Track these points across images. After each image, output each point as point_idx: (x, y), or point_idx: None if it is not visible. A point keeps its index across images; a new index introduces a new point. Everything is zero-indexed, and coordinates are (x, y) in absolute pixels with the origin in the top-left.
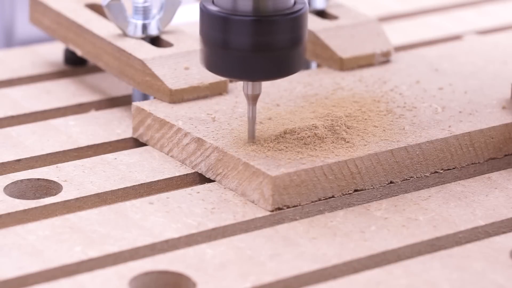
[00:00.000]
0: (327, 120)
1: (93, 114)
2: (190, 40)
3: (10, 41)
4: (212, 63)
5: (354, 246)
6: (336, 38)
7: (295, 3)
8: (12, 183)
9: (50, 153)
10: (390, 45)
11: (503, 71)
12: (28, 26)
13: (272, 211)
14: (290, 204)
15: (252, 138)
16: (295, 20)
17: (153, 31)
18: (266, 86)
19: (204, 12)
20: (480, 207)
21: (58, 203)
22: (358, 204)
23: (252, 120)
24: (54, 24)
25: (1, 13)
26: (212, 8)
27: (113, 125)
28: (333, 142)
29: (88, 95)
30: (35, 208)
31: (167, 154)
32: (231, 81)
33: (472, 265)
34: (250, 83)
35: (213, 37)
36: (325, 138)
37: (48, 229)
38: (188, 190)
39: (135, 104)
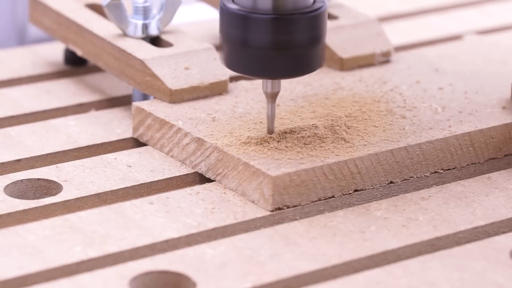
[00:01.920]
0: (327, 120)
1: (93, 114)
2: (190, 40)
3: (23, 40)
4: (232, 61)
5: (354, 246)
6: (336, 38)
7: (314, 1)
8: (12, 183)
9: (50, 153)
10: (390, 45)
11: (503, 71)
12: None
13: (272, 211)
14: (290, 204)
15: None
16: (314, 18)
17: (153, 31)
18: None
19: (224, 11)
20: (480, 207)
21: (58, 203)
22: (358, 204)
23: (271, 118)
24: (54, 24)
25: (13, 12)
26: (232, 6)
27: (113, 125)
28: (333, 142)
29: (88, 95)
30: (35, 208)
31: (167, 154)
32: (231, 80)
33: (472, 265)
34: (269, 81)
35: (233, 35)
36: (325, 138)
37: (48, 229)
38: (188, 190)
39: (135, 104)
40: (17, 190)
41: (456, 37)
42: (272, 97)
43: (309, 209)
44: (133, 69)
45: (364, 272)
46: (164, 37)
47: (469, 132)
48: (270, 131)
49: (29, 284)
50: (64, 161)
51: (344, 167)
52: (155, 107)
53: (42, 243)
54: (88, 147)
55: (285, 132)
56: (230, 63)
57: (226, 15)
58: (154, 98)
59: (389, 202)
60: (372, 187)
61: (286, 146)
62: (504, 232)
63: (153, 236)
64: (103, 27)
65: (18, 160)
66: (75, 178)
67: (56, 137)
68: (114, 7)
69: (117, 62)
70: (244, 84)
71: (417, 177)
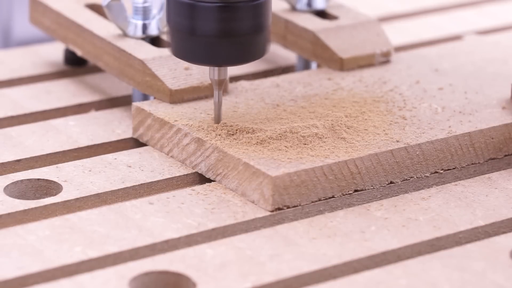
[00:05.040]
0: (327, 120)
1: (93, 114)
2: None
3: (7, 42)
4: (179, 49)
5: (354, 246)
6: (336, 38)
7: None
8: (12, 183)
9: (50, 153)
10: (390, 45)
11: (503, 71)
12: (25, 27)
13: (272, 211)
14: (290, 204)
15: (218, 123)
16: (258, 7)
17: (153, 31)
18: (267, 86)
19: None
20: (480, 207)
21: (58, 203)
22: (358, 204)
23: (218, 105)
24: (54, 24)
25: None
26: None
27: (113, 125)
28: (333, 142)
29: (88, 95)
30: (35, 208)
31: (167, 154)
32: (231, 80)
33: (472, 265)
34: (216, 69)
35: (180, 23)
36: (325, 138)
37: (48, 229)
38: (188, 190)
39: (135, 104)
40: (17, 190)
41: (456, 37)
42: (219, 84)
43: (309, 209)
44: (133, 69)
45: (364, 272)
46: (164, 37)
47: (469, 132)
48: (217, 118)
49: (29, 284)
50: (64, 161)
51: (344, 167)
52: (155, 107)
53: (42, 243)
54: (88, 147)
55: (285, 132)
56: (177, 52)
57: (172, 4)
58: (154, 98)
59: (389, 202)
60: (372, 187)
61: (286, 146)
62: (504, 232)
63: (153, 236)
64: (103, 27)
65: (18, 160)
66: (75, 178)
67: (56, 137)
68: (114, 7)
69: (117, 62)
70: (244, 84)
71: (417, 177)
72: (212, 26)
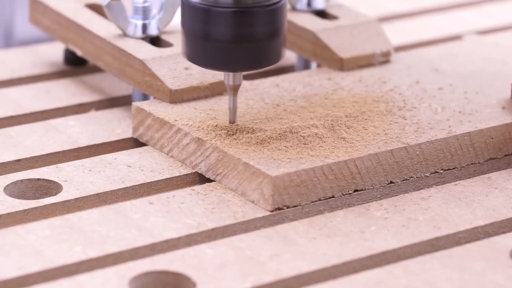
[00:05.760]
0: (327, 120)
1: (93, 114)
2: None
3: (9, 41)
4: (194, 55)
5: (354, 246)
6: (336, 38)
7: None
8: (12, 183)
9: (50, 153)
10: (390, 45)
11: (503, 71)
12: (27, 26)
13: (272, 211)
14: (290, 204)
15: None
16: (274, 12)
17: (153, 31)
18: (267, 86)
19: (185, 4)
20: (480, 207)
21: (58, 203)
22: (358, 204)
23: (233, 110)
24: (54, 24)
25: (0, 13)
26: (194, 0)
27: (113, 125)
28: (333, 142)
29: (88, 95)
30: (35, 208)
31: (167, 154)
32: None
33: (472, 265)
34: (231, 74)
35: (195, 28)
36: (325, 138)
37: (48, 229)
38: (188, 190)
39: (135, 104)
40: (17, 190)
41: (456, 37)
42: (234, 89)
43: (309, 209)
44: (133, 69)
45: (364, 272)
46: (164, 37)
47: (469, 132)
48: (232, 123)
49: (29, 284)
50: (64, 161)
51: (344, 167)
52: (155, 107)
53: (42, 243)
54: (88, 147)
55: (285, 132)
56: (191, 57)
57: (187, 9)
58: (154, 98)
59: (389, 202)
60: (372, 187)
61: (286, 146)
62: (504, 232)
63: (153, 236)
64: (103, 27)
65: (18, 160)
66: (75, 178)
67: (56, 137)
68: (114, 7)
69: (117, 62)
70: (244, 84)
71: (417, 177)
72: (227, 31)
